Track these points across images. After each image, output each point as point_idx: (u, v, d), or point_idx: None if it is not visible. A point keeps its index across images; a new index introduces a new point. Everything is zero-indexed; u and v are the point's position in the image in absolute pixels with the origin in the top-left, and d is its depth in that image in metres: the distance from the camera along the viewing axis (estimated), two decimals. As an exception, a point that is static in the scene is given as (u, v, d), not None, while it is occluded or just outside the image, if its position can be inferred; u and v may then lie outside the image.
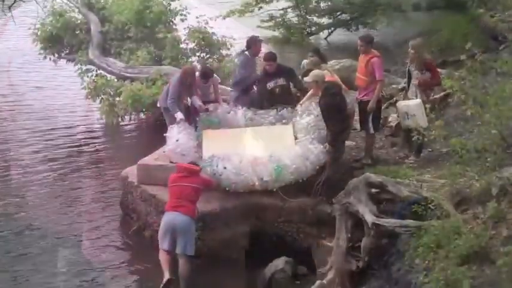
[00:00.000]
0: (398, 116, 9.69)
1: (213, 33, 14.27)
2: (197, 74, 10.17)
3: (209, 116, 9.80)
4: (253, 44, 10.44)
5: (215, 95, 10.39)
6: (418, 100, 9.04)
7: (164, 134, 9.36)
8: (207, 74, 10.15)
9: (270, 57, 10.00)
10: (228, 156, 8.83)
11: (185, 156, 8.82)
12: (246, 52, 10.44)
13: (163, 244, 8.12)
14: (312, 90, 9.33)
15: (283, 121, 9.63)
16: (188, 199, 8.12)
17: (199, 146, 9.28)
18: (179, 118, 9.45)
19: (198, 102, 9.75)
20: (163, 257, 8.10)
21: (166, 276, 7.91)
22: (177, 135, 9.14)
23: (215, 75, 10.63)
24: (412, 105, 9.03)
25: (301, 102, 9.65)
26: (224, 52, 14.25)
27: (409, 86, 9.42)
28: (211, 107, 9.89)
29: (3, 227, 9.69)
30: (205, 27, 14.19)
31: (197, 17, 14.27)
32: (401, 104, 9.31)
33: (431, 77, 9.21)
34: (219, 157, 8.80)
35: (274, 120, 9.67)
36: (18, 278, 8.43)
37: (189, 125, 9.48)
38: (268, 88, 9.91)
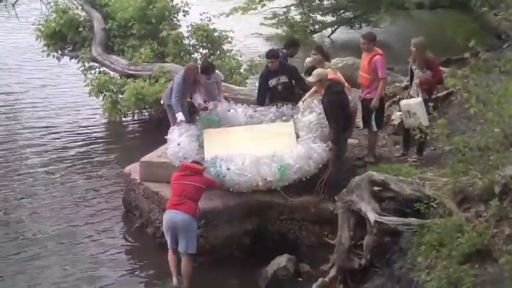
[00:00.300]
0: (401, 114, 9.68)
1: (214, 29, 14.27)
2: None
3: (209, 114, 9.78)
4: (292, 45, 10.63)
5: (218, 92, 10.38)
6: (419, 99, 9.03)
7: (165, 137, 9.30)
8: (207, 69, 10.12)
9: (273, 54, 9.95)
10: (231, 157, 8.81)
11: (187, 159, 8.73)
12: (284, 50, 10.48)
13: (167, 242, 8.12)
14: (314, 87, 9.31)
15: (284, 118, 9.62)
16: (190, 197, 8.07)
17: (200, 146, 9.25)
18: (179, 119, 9.43)
19: (198, 100, 9.73)
20: (169, 257, 8.09)
21: (174, 282, 7.92)
22: (179, 139, 9.09)
23: (217, 71, 10.62)
24: (412, 104, 9.02)
25: (303, 99, 9.63)
26: (226, 47, 14.24)
27: (411, 84, 9.42)
28: (211, 105, 9.86)
29: (4, 227, 9.65)
30: (207, 24, 14.19)
31: (200, 14, 14.27)
32: (403, 102, 9.30)
33: (432, 75, 9.18)
34: (222, 158, 8.77)
35: (275, 117, 9.65)
36: (18, 283, 8.36)
37: (189, 126, 9.41)
38: (270, 85, 9.90)
